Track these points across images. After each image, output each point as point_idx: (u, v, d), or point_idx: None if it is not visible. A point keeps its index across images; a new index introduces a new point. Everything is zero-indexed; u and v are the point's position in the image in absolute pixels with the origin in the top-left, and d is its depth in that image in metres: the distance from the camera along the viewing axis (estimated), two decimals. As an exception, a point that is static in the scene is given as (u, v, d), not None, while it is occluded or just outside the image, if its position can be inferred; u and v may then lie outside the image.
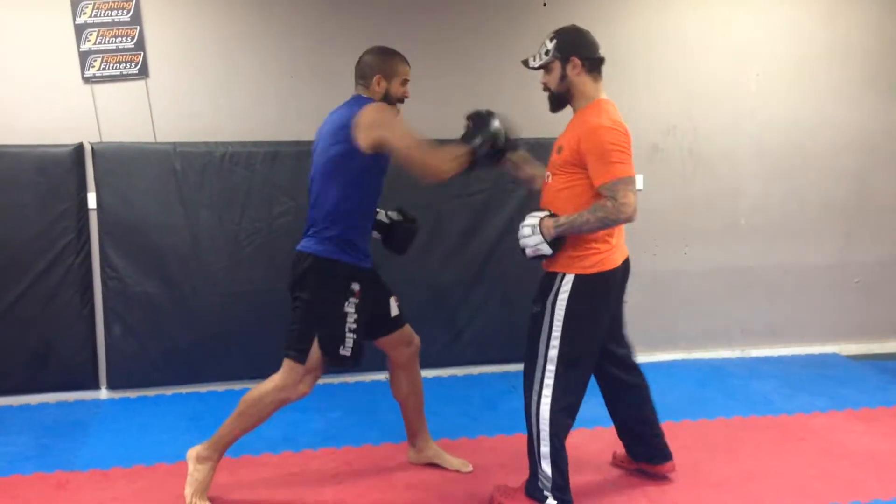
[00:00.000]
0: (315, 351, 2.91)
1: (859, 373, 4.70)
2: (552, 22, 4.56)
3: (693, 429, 3.79)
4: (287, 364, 2.94)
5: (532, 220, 2.86)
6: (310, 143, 4.35)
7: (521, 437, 3.64)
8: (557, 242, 2.82)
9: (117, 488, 3.18)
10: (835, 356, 5.07)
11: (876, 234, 5.17)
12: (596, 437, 3.60)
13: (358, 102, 2.92)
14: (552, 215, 2.83)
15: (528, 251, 2.88)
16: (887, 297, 5.23)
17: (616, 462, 3.40)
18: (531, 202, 4.60)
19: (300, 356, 2.92)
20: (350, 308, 2.93)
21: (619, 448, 3.37)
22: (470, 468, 3.35)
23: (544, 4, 4.62)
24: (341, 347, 2.92)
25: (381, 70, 2.97)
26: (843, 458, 3.43)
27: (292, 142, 4.42)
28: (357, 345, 2.95)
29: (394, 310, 3.20)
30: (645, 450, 3.23)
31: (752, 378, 4.61)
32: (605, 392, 3.23)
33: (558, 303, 2.85)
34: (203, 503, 2.97)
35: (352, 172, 2.89)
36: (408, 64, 3.06)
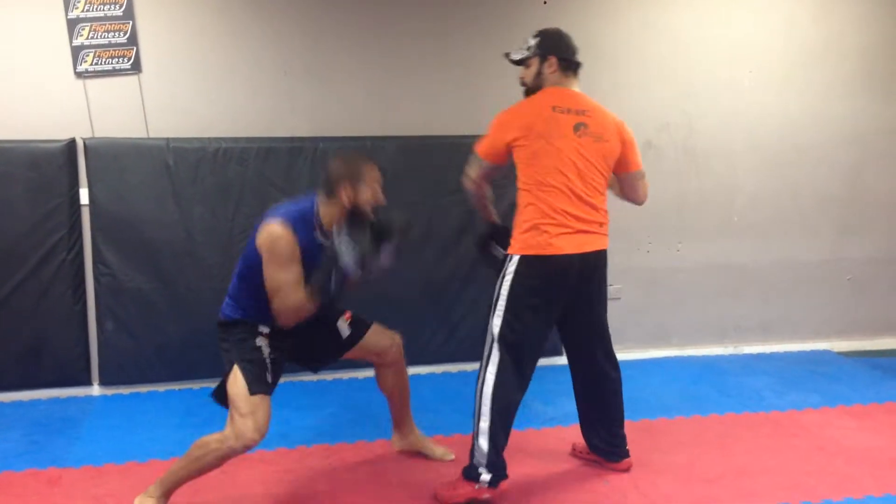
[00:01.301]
0: (241, 393, 2.79)
1: (851, 369, 4.72)
2: (550, 20, 4.59)
3: (686, 425, 3.80)
4: (230, 415, 2.84)
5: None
6: (304, 138, 4.39)
7: (515, 433, 3.64)
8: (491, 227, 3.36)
9: (110, 484, 3.17)
10: (827, 353, 5.09)
11: (869, 231, 5.19)
12: (574, 435, 3.58)
13: (284, 214, 2.86)
14: None
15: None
16: (879, 293, 5.25)
17: (575, 453, 3.42)
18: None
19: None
20: (262, 342, 2.91)
21: (580, 439, 3.40)
22: (452, 457, 3.39)
23: (545, 2, 4.60)
24: (267, 375, 2.87)
25: (347, 176, 2.89)
26: (836, 455, 3.45)
27: (286, 138, 4.40)
28: (277, 372, 2.92)
29: (343, 332, 3.19)
30: (601, 443, 3.26)
31: (745, 375, 4.62)
32: (575, 381, 3.25)
33: (505, 283, 2.94)
34: None
35: (253, 271, 2.88)
36: (375, 169, 2.97)
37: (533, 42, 3.04)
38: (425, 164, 4.53)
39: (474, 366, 4.67)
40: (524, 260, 2.91)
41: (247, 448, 2.76)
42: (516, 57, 3.09)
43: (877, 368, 4.73)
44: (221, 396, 2.91)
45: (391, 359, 3.31)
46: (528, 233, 2.92)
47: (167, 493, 2.88)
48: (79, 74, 4.20)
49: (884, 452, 3.46)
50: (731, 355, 5.05)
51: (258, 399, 2.78)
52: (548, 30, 3.08)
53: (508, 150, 2.98)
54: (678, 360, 4.95)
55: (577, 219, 2.92)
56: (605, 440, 3.25)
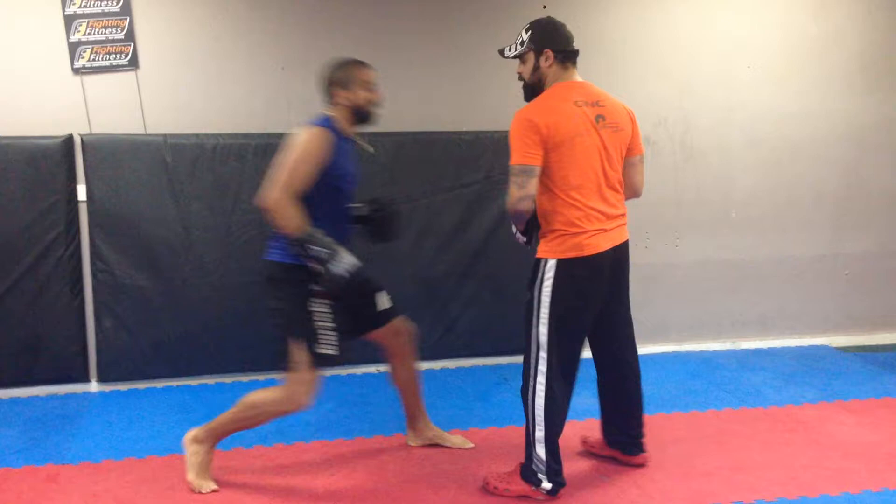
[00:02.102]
0: (298, 357, 2.91)
1: (849, 364, 4.73)
2: (545, 11, 4.59)
3: (684, 420, 3.80)
4: (285, 377, 2.97)
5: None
6: (301, 134, 4.38)
7: (513, 429, 3.66)
8: (526, 232, 3.01)
9: (108, 481, 3.17)
10: (825, 348, 5.09)
11: (866, 226, 5.19)
12: (586, 429, 3.60)
13: (315, 122, 2.95)
14: None
15: (516, 238, 3.10)
16: (877, 288, 5.25)
17: (587, 447, 3.41)
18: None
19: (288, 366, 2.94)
20: (317, 307, 2.91)
21: (591, 434, 3.40)
22: (471, 445, 3.46)
23: (544, 7, 4.58)
24: (317, 346, 2.91)
25: (337, 82, 3.00)
26: (833, 449, 3.45)
27: (284, 133, 4.38)
28: (338, 341, 2.95)
29: (382, 303, 3.21)
30: (619, 437, 3.26)
31: (743, 370, 4.62)
32: (601, 375, 3.25)
33: (543, 289, 2.90)
34: (206, 483, 3.03)
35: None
36: (368, 67, 3.06)
37: (525, 36, 2.95)
38: (423, 159, 4.53)
39: (472, 361, 4.73)
40: (563, 263, 2.87)
41: (298, 410, 2.96)
42: (511, 54, 3.03)
43: (874, 363, 4.74)
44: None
45: (402, 348, 3.32)
46: (563, 236, 2.87)
47: (216, 440, 3.09)
48: (76, 71, 4.19)
49: (881, 447, 3.46)
50: (728, 350, 5.05)
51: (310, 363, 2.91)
52: (539, 21, 3.00)
53: (546, 149, 2.83)
54: (676, 355, 4.95)
55: (608, 216, 2.92)
56: (626, 433, 3.25)
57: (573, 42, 2.97)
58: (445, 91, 4.61)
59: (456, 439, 3.48)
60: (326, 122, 2.95)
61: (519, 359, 4.66)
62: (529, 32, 2.96)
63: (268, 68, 4.42)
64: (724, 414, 3.89)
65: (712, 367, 4.69)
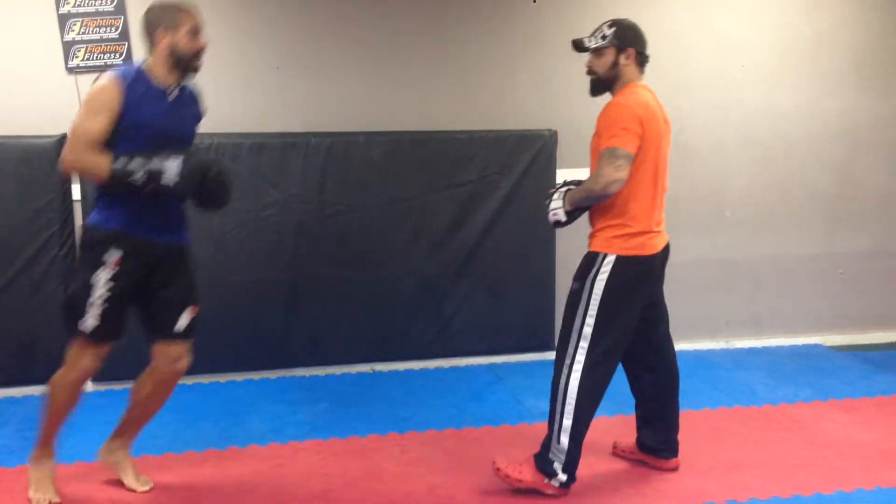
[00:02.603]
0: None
1: (843, 363, 4.74)
2: (541, 16, 4.60)
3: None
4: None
5: (563, 188, 3.02)
6: (296, 134, 4.39)
7: (508, 428, 3.67)
8: (573, 214, 2.97)
9: (103, 480, 3.17)
10: (818, 347, 5.11)
11: (860, 225, 5.20)
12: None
13: (115, 71, 2.77)
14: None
15: (549, 215, 3.03)
16: (871, 287, 5.27)
17: (617, 452, 3.40)
18: (517, 194, 4.62)
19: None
20: (97, 279, 2.76)
21: (621, 438, 3.39)
22: (147, 487, 3.11)
23: (534, 1, 4.59)
24: (80, 322, 2.81)
25: (162, 23, 2.77)
26: (827, 448, 3.46)
27: (278, 133, 4.40)
28: (103, 320, 2.81)
29: (182, 321, 3.00)
30: (652, 441, 3.25)
31: (737, 369, 4.64)
32: (630, 373, 3.26)
33: (597, 282, 2.91)
34: (45, 496, 2.98)
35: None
36: (194, 13, 2.82)
37: (609, 31, 2.96)
38: (418, 159, 4.53)
39: (467, 360, 4.74)
40: (621, 260, 2.89)
41: (86, 373, 2.94)
42: (592, 45, 2.99)
43: (868, 362, 4.75)
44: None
45: (168, 376, 3.05)
46: (627, 233, 2.90)
47: (48, 446, 3.03)
48: (70, 70, 4.19)
49: (874, 446, 3.48)
50: (722, 350, 5.06)
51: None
52: (622, 20, 3.03)
53: (639, 143, 2.85)
54: (674, 350, 4.95)
55: (661, 219, 3.01)
56: (662, 437, 3.25)
57: (647, 47, 3.04)
58: (440, 90, 4.61)
59: (130, 479, 3.11)
60: (129, 71, 2.77)
61: (513, 358, 4.74)
62: (614, 28, 2.97)
63: (262, 67, 4.42)
64: (718, 413, 3.90)
65: (706, 366, 4.70)
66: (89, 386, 4.32)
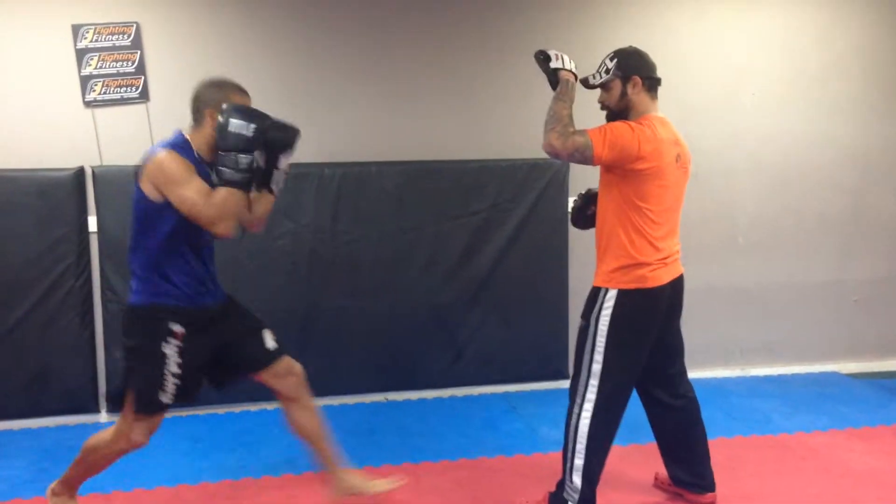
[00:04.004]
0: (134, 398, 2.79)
1: (859, 391, 4.70)
2: (551, 45, 4.63)
3: (693, 448, 3.78)
4: (122, 413, 2.86)
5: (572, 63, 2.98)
6: (308, 164, 4.42)
7: (522, 458, 3.66)
8: (557, 72, 2.92)
9: (117, 512, 3.17)
10: (835, 374, 5.07)
11: (873, 251, 5.19)
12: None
13: (161, 145, 2.72)
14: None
15: (553, 54, 2.96)
16: (886, 314, 5.24)
17: (657, 484, 3.37)
18: (530, 223, 4.63)
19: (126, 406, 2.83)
20: (169, 350, 2.73)
21: (661, 469, 3.34)
22: (399, 483, 3.18)
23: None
24: (161, 394, 2.76)
25: (212, 104, 2.73)
26: (844, 477, 3.43)
27: (291, 163, 4.42)
28: (182, 389, 2.79)
29: (269, 342, 2.99)
30: (684, 476, 3.21)
31: (753, 397, 4.60)
32: (648, 411, 3.22)
33: (601, 318, 2.88)
34: None
35: (150, 216, 2.69)
36: (246, 94, 2.86)
37: (611, 63, 2.94)
38: (429, 188, 4.55)
39: (480, 389, 4.73)
40: (623, 294, 2.87)
41: (134, 449, 2.86)
42: (597, 81, 2.98)
43: (885, 390, 4.71)
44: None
45: (292, 390, 3.04)
46: (628, 266, 2.86)
47: (72, 489, 3.01)
48: (87, 103, 4.25)
49: (892, 475, 3.44)
50: (737, 377, 5.03)
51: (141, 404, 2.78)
52: (624, 49, 2.99)
53: (628, 163, 2.80)
54: (690, 383, 4.92)
55: (671, 252, 2.96)
56: (692, 472, 3.19)
57: (656, 70, 2.99)
58: (451, 120, 4.64)
59: (382, 483, 3.15)
60: (175, 144, 2.72)
61: (527, 386, 4.73)
62: (615, 60, 2.95)
63: (275, 100, 4.44)
64: (734, 442, 3.87)
65: (721, 393, 4.68)
66: (103, 417, 4.35)
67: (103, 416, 4.36)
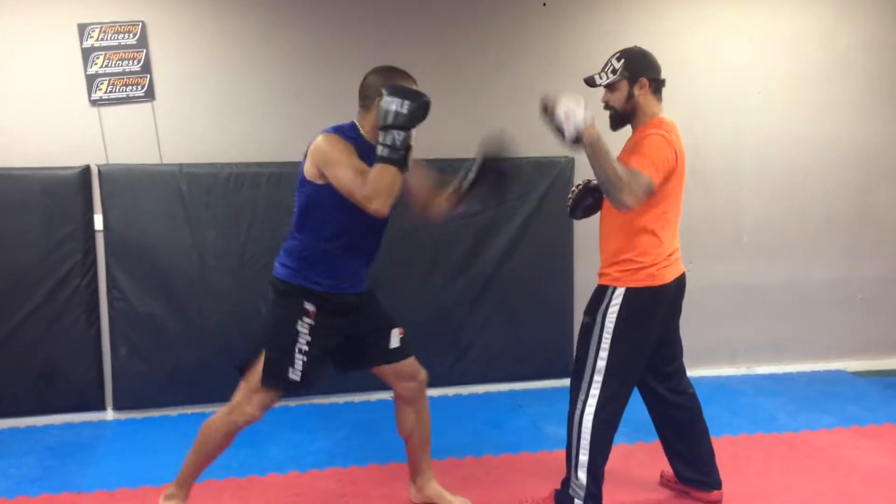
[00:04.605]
0: (259, 370, 2.82)
1: (865, 389, 4.70)
2: (554, 47, 4.64)
3: (699, 446, 3.78)
4: (239, 385, 2.88)
5: (586, 110, 2.64)
6: (314, 163, 4.42)
7: (527, 456, 3.66)
8: (579, 140, 2.63)
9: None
10: (840, 373, 5.06)
11: (878, 250, 5.18)
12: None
13: (327, 130, 2.84)
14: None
15: (562, 119, 2.64)
16: (891, 312, 5.23)
17: (663, 482, 3.37)
18: (534, 221, 4.63)
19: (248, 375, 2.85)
20: (303, 328, 2.80)
21: (666, 467, 3.34)
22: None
23: (544, 4, 4.60)
24: (290, 370, 2.80)
25: (376, 87, 2.81)
26: (850, 476, 3.43)
27: (297, 162, 4.40)
28: (309, 369, 2.82)
29: (394, 341, 3.04)
30: (689, 473, 3.21)
31: (758, 395, 4.60)
32: (649, 407, 3.22)
33: (608, 315, 2.88)
34: None
35: (312, 200, 2.82)
36: (414, 81, 2.94)
37: (618, 64, 2.90)
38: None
39: (484, 388, 4.73)
40: (631, 292, 2.87)
41: (248, 422, 2.85)
42: (603, 82, 2.92)
43: (891, 388, 4.71)
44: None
45: (411, 393, 3.11)
46: (637, 265, 2.87)
47: (187, 487, 2.99)
48: (93, 102, 4.26)
49: (898, 473, 3.44)
50: (743, 376, 5.03)
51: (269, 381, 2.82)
52: (631, 49, 2.95)
53: (669, 175, 2.80)
54: (690, 380, 4.92)
55: (676, 249, 2.97)
56: (696, 470, 3.20)
57: (661, 71, 2.97)
58: (456, 119, 4.64)
59: (456, 501, 3.18)
60: (342, 130, 2.84)
61: (532, 384, 4.73)
62: (623, 60, 2.90)
63: (282, 98, 4.48)
64: (739, 440, 3.87)
65: (727, 392, 4.67)
66: (109, 414, 4.36)
67: (109, 414, 4.37)
